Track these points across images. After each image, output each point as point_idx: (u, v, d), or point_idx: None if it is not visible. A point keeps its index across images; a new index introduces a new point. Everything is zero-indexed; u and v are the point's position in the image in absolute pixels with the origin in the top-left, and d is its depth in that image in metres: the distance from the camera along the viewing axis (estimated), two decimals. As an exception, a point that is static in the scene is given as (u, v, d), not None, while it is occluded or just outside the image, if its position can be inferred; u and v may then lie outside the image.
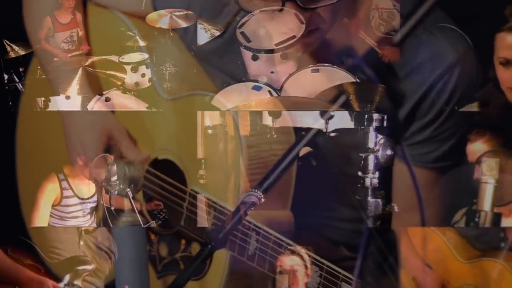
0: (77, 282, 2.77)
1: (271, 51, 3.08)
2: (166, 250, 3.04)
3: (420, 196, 2.65)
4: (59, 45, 3.28)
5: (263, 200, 2.65)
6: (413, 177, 2.67)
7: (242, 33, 3.19)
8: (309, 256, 2.76)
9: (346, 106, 2.68)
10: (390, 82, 2.77)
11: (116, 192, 2.84)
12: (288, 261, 2.76)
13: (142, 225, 2.88)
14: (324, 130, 2.78)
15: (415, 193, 2.65)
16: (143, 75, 3.18)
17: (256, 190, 2.66)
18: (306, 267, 2.76)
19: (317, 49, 3.00)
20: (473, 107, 2.69)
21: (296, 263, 2.76)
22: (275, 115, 2.82)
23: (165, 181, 3.01)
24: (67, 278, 2.79)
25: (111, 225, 2.86)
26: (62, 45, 3.31)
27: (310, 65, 3.06)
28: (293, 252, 2.77)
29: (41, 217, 2.91)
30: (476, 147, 2.59)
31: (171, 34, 3.13)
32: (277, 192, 2.75)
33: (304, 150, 2.81)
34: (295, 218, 2.90)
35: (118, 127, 3.04)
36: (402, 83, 2.79)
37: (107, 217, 2.85)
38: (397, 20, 3.00)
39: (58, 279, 2.81)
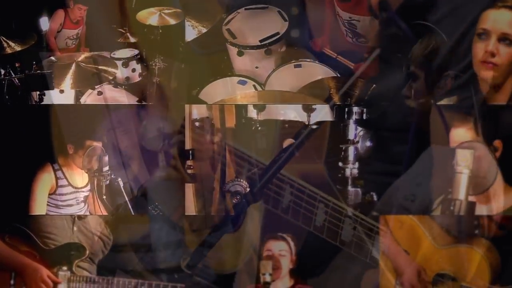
0: (71, 267, 2.82)
1: (255, 47, 3.21)
2: (201, 204, 3.04)
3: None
4: (63, 41, 3.36)
5: (248, 189, 2.72)
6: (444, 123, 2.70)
7: (228, 30, 3.29)
8: (346, 210, 2.76)
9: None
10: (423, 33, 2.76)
11: (107, 182, 2.89)
12: (275, 246, 2.83)
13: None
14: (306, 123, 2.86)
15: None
16: (133, 70, 3.28)
17: (241, 180, 2.74)
18: (291, 253, 2.83)
19: None
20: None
21: (283, 248, 2.82)
22: (260, 108, 2.89)
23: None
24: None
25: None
26: (66, 41, 3.39)
27: (293, 60, 3.19)
28: (280, 238, 2.83)
29: (38, 206, 2.93)
30: (458, 134, 2.61)
31: (160, 31, 3.22)
32: (312, 145, 2.78)
33: (288, 142, 2.85)
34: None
35: None
36: (439, 25, 2.75)
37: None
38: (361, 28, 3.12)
39: (52, 266, 2.84)
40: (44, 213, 2.92)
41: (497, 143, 2.58)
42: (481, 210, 2.63)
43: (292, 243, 2.83)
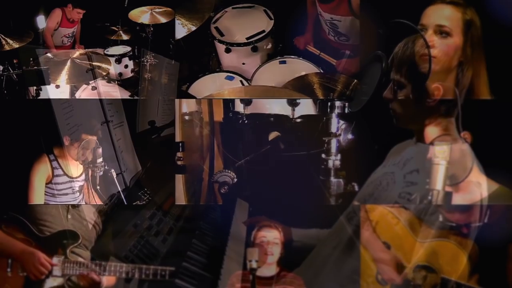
0: (65, 254, 2.80)
1: (242, 45, 3.29)
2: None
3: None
4: (59, 39, 3.45)
5: (235, 180, 2.83)
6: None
7: (216, 28, 3.37)
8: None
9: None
10: None
11: (101, 173, 2.94)
12: (267, 234, 2.83)
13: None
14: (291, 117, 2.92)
15: None
16: (126, 67, 3.38)
17: (229, 171, 2.85)
18: (281, 242, 2.84)
19: None
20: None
21: (275, 236, 2.83)
22: (246, 102, 2.95)
23: None
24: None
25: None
26: (62, 39, 3.48)
27: (278, 57, 3.28)
28: (274, 227, 2.84)
29: (36, 196, 2.93)
30: (431, 130, 2.58)
31: (152, 29, 3.30)
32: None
33: (273, 135, 2.93)
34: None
35: None
36: None
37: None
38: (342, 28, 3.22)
39: (47, 252, 2.81)
40: (42, 203, 2.95)
41: (465, 134, 2.59)
42: (457, 200, 2.61)
43: (282, 233, 2.84)
